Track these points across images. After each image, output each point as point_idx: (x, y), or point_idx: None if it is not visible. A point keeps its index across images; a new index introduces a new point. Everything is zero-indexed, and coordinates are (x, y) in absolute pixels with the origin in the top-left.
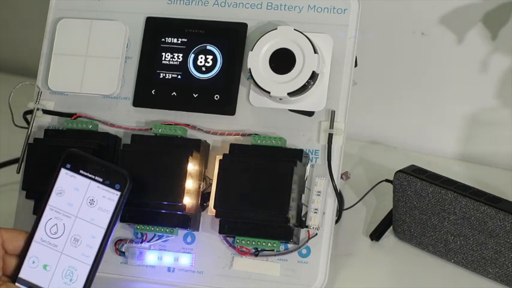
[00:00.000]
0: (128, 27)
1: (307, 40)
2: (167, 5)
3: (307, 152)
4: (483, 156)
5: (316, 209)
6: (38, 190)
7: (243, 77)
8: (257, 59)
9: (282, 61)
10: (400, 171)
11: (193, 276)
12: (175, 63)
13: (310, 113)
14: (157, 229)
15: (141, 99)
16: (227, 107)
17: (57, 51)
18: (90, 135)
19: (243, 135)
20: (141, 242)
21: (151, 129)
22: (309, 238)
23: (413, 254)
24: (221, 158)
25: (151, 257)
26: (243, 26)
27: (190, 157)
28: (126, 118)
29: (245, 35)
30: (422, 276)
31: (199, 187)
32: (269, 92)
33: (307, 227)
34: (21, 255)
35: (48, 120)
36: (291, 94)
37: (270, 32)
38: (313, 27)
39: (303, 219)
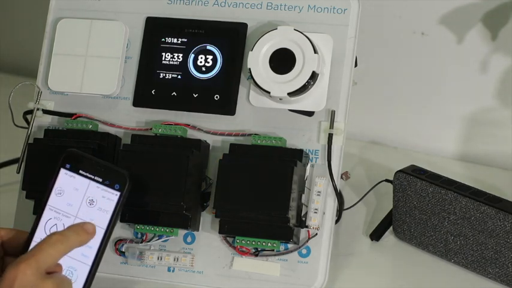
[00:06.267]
0: (128, 27)
1: (307, 40)
2: (167, 5)
3: (307, 152)
4: (483, 156)
5: (316, 209)
6: (38, 190)
7: (243, 77)
8: (257, 59)
9: (282, 61)
10: (400, 171)
11: (193, 276)
12: (175, 63)
13: (310, 113)
14: (157, 229)
15: (141, 99)
16: (227, 107)
17: (57, 51)
18: (90, 135)
19: (243, 135)
20: (141, 242)
21: (151, 129)
22: (309, 238)
23: (413, 254)
24: (221, 158)
25: (151, 257)
26: (243, 26)
27: (190, 157)
28: (126, 118)
29: (245, 35)
30: (422, 276)
31: (199, 187)
32: (269, 92)
33: (307, 227)
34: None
35: (48, 120)
36: (291, 94)
37: (270, 32)
38: (313, 27)
39: (303, 219)
